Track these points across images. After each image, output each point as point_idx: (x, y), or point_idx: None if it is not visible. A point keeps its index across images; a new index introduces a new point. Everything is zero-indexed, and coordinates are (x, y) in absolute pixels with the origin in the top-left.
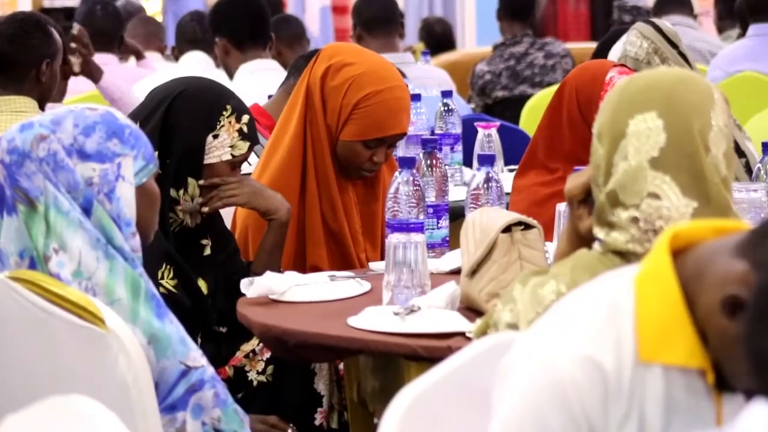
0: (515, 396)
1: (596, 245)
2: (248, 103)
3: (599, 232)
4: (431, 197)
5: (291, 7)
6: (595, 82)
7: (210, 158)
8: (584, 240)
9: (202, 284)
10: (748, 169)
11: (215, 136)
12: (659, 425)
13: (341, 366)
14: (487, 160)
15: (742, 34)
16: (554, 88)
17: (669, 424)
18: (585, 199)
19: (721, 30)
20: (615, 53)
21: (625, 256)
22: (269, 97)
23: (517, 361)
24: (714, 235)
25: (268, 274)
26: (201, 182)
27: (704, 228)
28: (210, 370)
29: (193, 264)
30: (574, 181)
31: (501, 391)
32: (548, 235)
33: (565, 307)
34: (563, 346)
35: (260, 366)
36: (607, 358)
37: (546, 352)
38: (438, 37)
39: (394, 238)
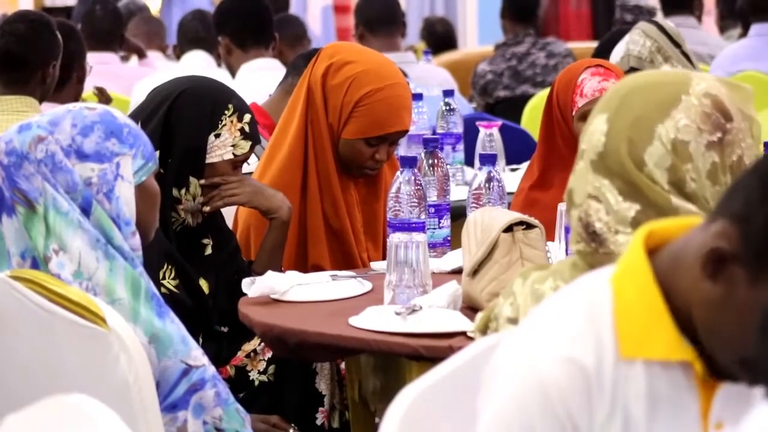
0: (499, 399)
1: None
2: (249, 103)
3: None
4: (433, 197)
5: (293, 7)
6: (569, 85)
7: (212, 157)
8: None
9: (203, 284)
10: None
11: (217, 136)
12: (644, 421)
13: (342, 365)
14: (489, 160)
15: (744, 34)
16: None
17: (653, 419)
18: None
19: (722, 29)
20: (618, 52)
21: (583, 259)
22: (269, 96)
23: (500, 364)
24: (688, 230)
25: (270, 273)
26: (202, 181)
27: (678, 225)
28: (211, 370)
29: (195, 263)
30: None
31: (485, 394)
32: (549, 235)
33: (545, 310)
34: (545, 348)
35: (261, 365)
36: (588, 357)
37: (528, 355)
38: (440, 37)
39: (395, 238)
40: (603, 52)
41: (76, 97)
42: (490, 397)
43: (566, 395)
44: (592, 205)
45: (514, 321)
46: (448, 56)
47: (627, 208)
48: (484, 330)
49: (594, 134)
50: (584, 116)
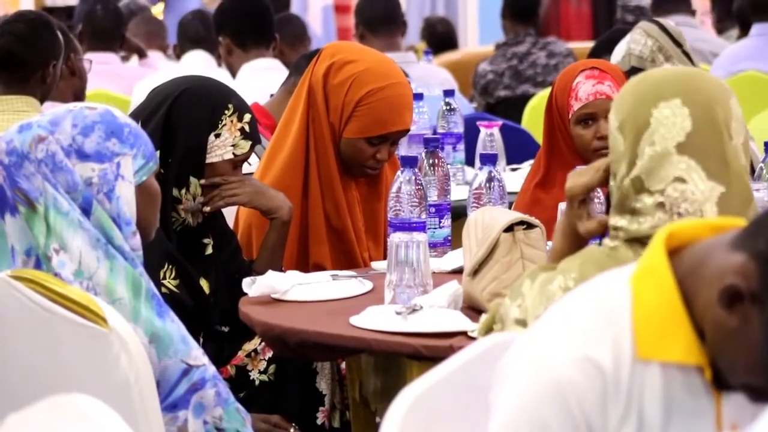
0: (513, 397)
1: (606, 240)
2: (250, 102)
3: (620, 221)
4: (433, 196)
5: (293, 6)
6: (565, 87)
7: (212, 157)
8: (582, 238)
9: (204, 283)
10: (751, 169)
11: (217, 135)
12: (658, 423)
13: (343, 365)
14: (489, 160)
15: (742, 35)
16: None
17: (668, 421)
18: (584, 199)
19: (720, 32)
20: (619, 51)
21: (646, 244)
22: (271, 96)
23: (514, 362)
24: (710, 233)
25: (270, 273)
26: (203, 181)
27: (700, 226)
28: (211, 369)
29: (195, 263)
30: (575, 181)
31: (499, 392)
32: (550, 235)
33: (562, 308)
34: (561, 347)
35: (262, 365)
36: (605, 357)
37: (544, 353)
38: (441, 37)
39: (396, 238)
40: (600, 51)
41: (75, 92)
42: (503, 394)
43: (582, 394)
44: (677, 187)
45: (522, 323)
46: (449, 56)
47: (711, 188)
48: (486, 334)
49: (672, 119)
50: (580, 119)
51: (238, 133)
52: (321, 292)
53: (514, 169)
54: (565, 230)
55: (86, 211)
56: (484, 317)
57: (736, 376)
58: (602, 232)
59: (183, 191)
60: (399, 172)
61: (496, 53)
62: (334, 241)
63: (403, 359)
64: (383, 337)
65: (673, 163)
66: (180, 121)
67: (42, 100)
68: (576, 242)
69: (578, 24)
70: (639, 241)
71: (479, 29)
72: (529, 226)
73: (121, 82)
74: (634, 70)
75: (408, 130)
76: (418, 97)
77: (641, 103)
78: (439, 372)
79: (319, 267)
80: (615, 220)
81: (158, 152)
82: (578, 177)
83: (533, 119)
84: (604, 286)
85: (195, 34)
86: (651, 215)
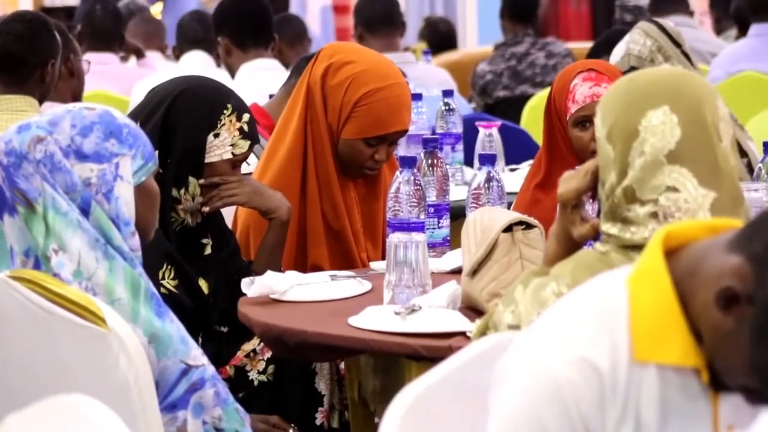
0: (511, 398)
1: (597, 245)
2: (249, 103)
3: (611, 228)
4: (432, 197)
5: (292, 7)
6: (563, 90)
7: (211, 157)
8: (575, 242)
9: (203, 284)
10: (750, 169)
11: (216, 135)
12: (655, 425)
13: (342, 365)
14: (488, 160)
15: (740, 36)
16: None
17: (665, 424)
18: (577, 204)
19: (718, 33)
20: (618, 52)
21: (639, 248)
22: (270, 96)
23: (512, 363)
24: (707, 234)
25: (269, 273)
26: (201, 181)
27: (697, 227)
28: (210, 369)
29: (194, 263)
30: (567, 186)
31: (497, 393)
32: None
33: (560, 309)
34: (559, 348)
35: (261, 365)
36: (602, 358)
37: (542, 354)
38: (443, 36)
39: (395, 238)
40: (599, 51)
41: (74, 92)
42: (501, 395)
43: (580, 395)
44: (670, 197)
45: (515, 328)
46: (448, 56)
47: (704, 195)
48: None
49: (660, 127)
50: (577, 122)
51: (237, 133)
52: (320, 293)
53: (512, 170)
54: (558, 235)
55: (85, 211)
56: (478, 322)
57: (733, 377)
58: (595, 235)
59: (182, 191)
60: (398, 173)
61: (495, 53)
62: (332, 242)
63: (402, 359)
64: (382, 338)
65: (664, 172)
66: (178, 121)
67: (41, 100)
68: (570, 246)
69: (577, 24)
70: (632, 248)
71: (478, 29)
72: (528, 226)
73: (119, 82)
74: (633, 71)
75: (406, 131)
76: (417, 97)
77: (629, 111)
78: (438, 372)
79: (317, 268)
80: (606, 227)
81: (157, 152)
82: (569, 182)
83: (532, 119)
84: (601, 287)
85: (194, 34)
86: (644, 225)
